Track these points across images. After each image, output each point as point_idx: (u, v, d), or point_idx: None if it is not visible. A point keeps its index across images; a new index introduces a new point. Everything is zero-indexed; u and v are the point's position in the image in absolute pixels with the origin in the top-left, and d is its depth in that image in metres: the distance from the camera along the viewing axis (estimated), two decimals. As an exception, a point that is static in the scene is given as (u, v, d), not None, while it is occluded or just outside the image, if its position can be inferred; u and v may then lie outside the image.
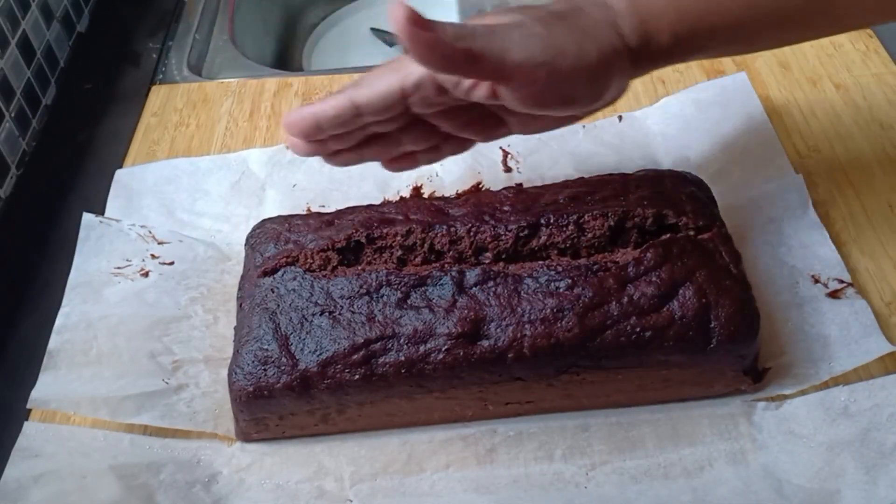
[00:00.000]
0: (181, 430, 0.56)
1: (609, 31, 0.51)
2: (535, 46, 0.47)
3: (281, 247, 0.57)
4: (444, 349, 0.51)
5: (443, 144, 0.58)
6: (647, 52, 0.52)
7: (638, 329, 0.51)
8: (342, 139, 0.55)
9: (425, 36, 0.43)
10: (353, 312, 0.53)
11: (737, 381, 0.55)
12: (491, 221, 0.55)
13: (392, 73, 0.52)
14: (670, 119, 0.73)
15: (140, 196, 0.70)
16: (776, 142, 0.69)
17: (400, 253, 0.55)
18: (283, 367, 0.52)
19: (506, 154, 0.71)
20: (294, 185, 0.71)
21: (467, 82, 0.50)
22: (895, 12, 0.54)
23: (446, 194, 0.66)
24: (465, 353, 0.51)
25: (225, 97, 0.81)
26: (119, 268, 0.63)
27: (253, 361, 0.52)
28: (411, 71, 0.51)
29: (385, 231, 0.56)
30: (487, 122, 0.56)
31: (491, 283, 0.52)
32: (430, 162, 0.59)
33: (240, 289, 0.58)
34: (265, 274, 0.56)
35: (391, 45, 1.05)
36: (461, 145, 0.59)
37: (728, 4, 0.52)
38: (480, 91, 0.50)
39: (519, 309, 0.52)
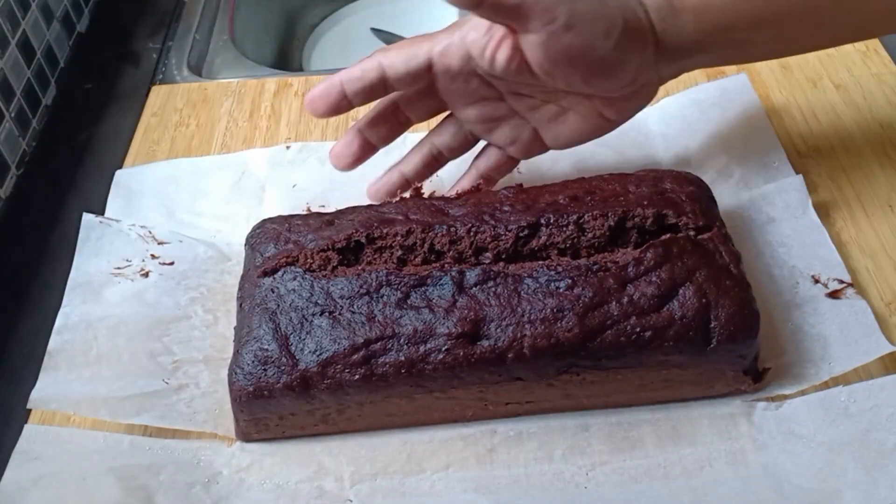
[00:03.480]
0: (181, 431, 0.56)
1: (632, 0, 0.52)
2: None
3: (281, 247, 0.57)
4: (444, 349, 0.51)
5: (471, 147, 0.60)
6: (672, 38, 0.52)
7: (638, 329, 0.51)
8: (375, 125, 0.57)
9: None
10: (353, 312, 0.52)
11: (737, 382, 0.55)
12: (491, 221, 0.55)
13: (422, 40, 0.54)
14: (670, 119, 0.72)
15: (140, 196, 0.70)
16: (776, 142, 0.69)
17: (400, 253, 0.55)
18: (283, 367, 0.52)
19: (506, 154, 0.71)
20: (294, 185, 0.71)
21: (491, 45, 0.52)
22: None
23: (446, 194, 0.66)
24: (465, 353, 0.51)
25: (225, 97, 0.81)
26: (119, 268, 0.63)
27: (253, 361, 0.52)
28: (440, 39, 0.53)
29: (385, 231, 0.56)
30: (514, 124, 0.59)
31: (491, 283, 0.52)
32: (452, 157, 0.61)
33: (240, 289, 0.58)
34: (265, 274, 0.55)
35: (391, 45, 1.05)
36: (494, 158, 0.61)
37: None
38: (503, 54, 0.51)
39: (519, 309, 0.51)
